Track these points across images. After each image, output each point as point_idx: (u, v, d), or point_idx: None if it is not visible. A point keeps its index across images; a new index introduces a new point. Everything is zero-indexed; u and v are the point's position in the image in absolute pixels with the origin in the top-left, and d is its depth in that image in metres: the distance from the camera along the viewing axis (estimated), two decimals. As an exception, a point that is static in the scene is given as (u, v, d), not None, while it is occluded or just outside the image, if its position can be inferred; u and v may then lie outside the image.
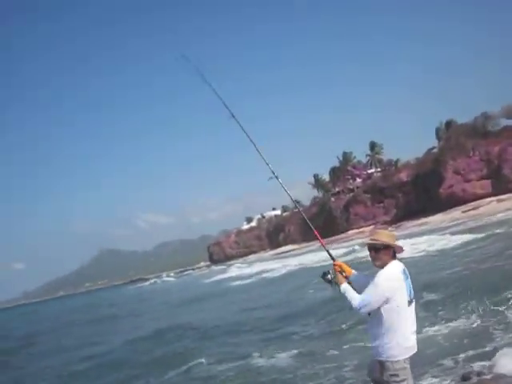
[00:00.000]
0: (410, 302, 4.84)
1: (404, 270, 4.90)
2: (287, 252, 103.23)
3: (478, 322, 11.85)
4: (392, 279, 4.78)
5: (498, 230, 32.15)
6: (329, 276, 5.17)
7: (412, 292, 4.90)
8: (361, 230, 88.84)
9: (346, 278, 5.16)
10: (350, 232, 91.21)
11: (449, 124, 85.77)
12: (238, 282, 48.22)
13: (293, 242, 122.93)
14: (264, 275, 48.10)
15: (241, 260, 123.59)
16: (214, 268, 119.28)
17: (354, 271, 5.28)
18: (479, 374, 7.06)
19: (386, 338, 4.80)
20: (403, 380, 4.77)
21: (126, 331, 26.07)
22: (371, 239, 5.00)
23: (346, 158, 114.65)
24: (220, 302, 34.03)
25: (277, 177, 6.15)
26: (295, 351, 13.35)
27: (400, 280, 4.82)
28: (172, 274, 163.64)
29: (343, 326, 14.99)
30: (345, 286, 5.00)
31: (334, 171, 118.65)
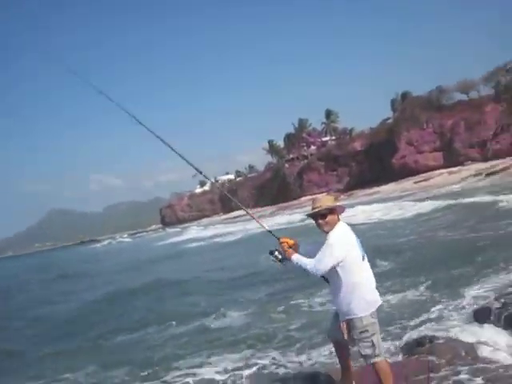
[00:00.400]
0: (363, 257, 4.92)
1: (350, 228, 5.01)
2: (241, 216, 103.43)
3: (427, 292, 11.93)
4: (343, 237, 4.86)
5: (451, 201, 32.74)
6: (276, 253, 5.16)
7: (362, 249, 4.97)
8: (314, 196, 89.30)
9: (295, 251, 5.14)
10: (303, 199, 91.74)
11: (404, 96, 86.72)
12: (193, 244, 48.17)
13: (245, 207, 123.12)
14: (218, 239, 48.18)
15: (195, 223, 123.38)
16: (169, 230, 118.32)
17: (301, 245, 5.28)
18: (431, 339, 7.05)
19: (349, 297, 4.84)
20: (373, 334, 4.84)
21: (79, 292, 25.74)
22: (314, 207, 5.00)
23: (302, 124, 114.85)
24: (175, 263, 34.02)
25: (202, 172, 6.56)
26: (245, 312, 13.66)
27: (351, 237, 4.92)
28: (125, 236, 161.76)
29: (290, 290, 15.28)
30: (296, 257, 4.98)
31: (288, 138, 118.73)
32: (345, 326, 4.95)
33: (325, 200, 5.03)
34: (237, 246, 36.98)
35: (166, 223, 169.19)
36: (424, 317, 9.84)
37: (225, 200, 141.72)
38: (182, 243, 55.37)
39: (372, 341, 4.82)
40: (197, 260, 33.85)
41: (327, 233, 4.91)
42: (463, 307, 9.73)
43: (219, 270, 24.59)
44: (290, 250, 5.08)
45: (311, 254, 4.95)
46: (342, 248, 4.78)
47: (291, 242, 5.22)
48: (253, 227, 40.53)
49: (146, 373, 10.11)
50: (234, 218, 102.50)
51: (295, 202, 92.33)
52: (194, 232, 73.88)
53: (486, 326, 7.56)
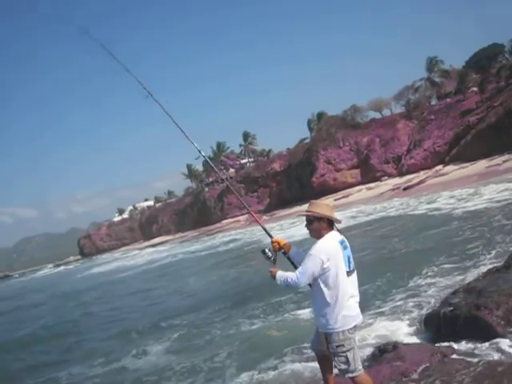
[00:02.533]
0: (349, 273, 4.84)
1: (342, 240, 4.89)
2: (163, 243, 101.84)
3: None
4: (326, 247, 4.75)
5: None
6: (268, 253, 5.19)
7: (352, 263, 4.90)
8: (235, 219, 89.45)
9: (285, 253, 5.23)
10: (225, 221, 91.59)
11: (320, 116, 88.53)
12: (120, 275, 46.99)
13: (167, 232, 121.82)
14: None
15: (119, 252, 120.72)
16: (84, 264, 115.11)
17: (293, 246, 5.27)
18: (395, 345, 6.87)
19: (328, 310, 4.79)
20: (349, 350, 4.79)
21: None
22: (306, 211, 4.98)
23: (220, 148, 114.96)
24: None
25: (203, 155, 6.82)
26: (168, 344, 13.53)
27: (336, 249, 4.78)
28: (50, 266, 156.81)
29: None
30: (279, 274, 4.94)
31: (207, 161, 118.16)
32: (323, 338, 4.94)
33: (316, 206, 4.96)
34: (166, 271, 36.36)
35: (84, 254, 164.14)
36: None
37: (145, 227, 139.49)
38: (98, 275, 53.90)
39: (347, 356, 4.79)
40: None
41: (315, 239, 4.90)
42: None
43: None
44: (274, 269, 5.02)
45: (300, 260, 4.91)
46: (324, 257, 4.70)
47: (283, 242, 5.25)
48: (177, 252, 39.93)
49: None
50: (156, 244, 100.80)
51: (218, 224, 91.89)
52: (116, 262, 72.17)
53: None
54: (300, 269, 4.78)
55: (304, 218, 5.05)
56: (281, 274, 4.92)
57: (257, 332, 12.58)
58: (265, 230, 5.54)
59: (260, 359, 10.19)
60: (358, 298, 4.92)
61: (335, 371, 5.16)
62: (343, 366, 4.80)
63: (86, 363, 13.57)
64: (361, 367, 4.86)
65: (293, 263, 5.15)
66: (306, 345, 9.54)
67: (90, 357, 14.11)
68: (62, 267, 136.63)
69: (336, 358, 4.83)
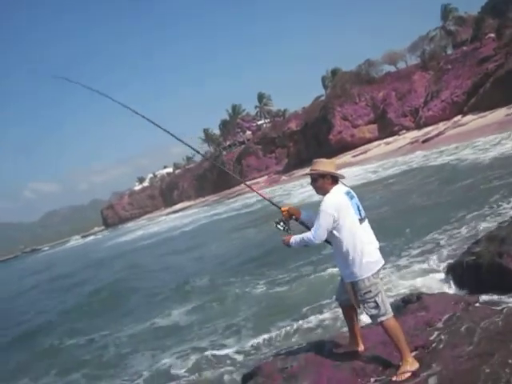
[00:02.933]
0: (361, 220, 4.96)
1: (348, 191, 5.01)
2: (185, 208, 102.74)
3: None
4: (334, 200, 4.86)
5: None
6: (281, 225, 5.26)
7: (362, 211, 5.01)
8: (255, 181, 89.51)
9: (297, 219, 5.31)
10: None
11: (334, 72, 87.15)
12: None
13: (188, 198, 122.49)
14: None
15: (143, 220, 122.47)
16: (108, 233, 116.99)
17: (303, 211, 5.37)
18: (418, 295, 6.94)
19: (349, 260, 4.89)
20: (376, 294, 4.89)
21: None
22: (310, 170, 5.08)
23: (235, 110, 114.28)
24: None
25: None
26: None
27: (344, 200, 4.90)
28: (77, 238, 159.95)
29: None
30: (293, 239, 5.06)
31: (223, 125, 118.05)
32: (350, 288, 5.04)
33: (319, 164, 5.05)
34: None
35: (108, 224, 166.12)
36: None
37: (165, 194, 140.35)
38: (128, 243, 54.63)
39: (376, 301, 4.88)
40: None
41: (321, 196, 4.99)
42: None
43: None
44: (287, 237, 5.13)
45: (314, 221, 4.95)
46: (334, 210, 4.81)
47: (292, 209, 5.33)
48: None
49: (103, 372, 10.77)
50: (178, 210, 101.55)
51: (237, 187, 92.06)
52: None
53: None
54: (314, 228, 4.88)
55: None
56: (295, 238, 5.04)
57: (278, 293, 12.85)
58: (270, 201, 5.59)
59: (286, 313, 10.47)
60: (376, 244, 5.01)
61: (360, 321, 5.29)
62: (374, 311, 4.89)
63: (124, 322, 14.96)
64: (390, 310, 4.94)
65: (307, 226, 5.20)
66: (327, 301, 9.73)
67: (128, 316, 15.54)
68: (90, 237, 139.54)
69: (366, 305, 4.92)
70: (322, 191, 4.99)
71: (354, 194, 5.04)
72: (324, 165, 5.02)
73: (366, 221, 5.02)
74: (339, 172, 5.10)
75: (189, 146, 6.51)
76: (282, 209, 5.32)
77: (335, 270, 11.76)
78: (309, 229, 5.08)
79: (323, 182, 4.98)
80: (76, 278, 31.65)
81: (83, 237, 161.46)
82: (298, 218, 5.30)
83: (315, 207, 5.00)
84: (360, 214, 4.94)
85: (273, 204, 5.53)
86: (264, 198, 5.76)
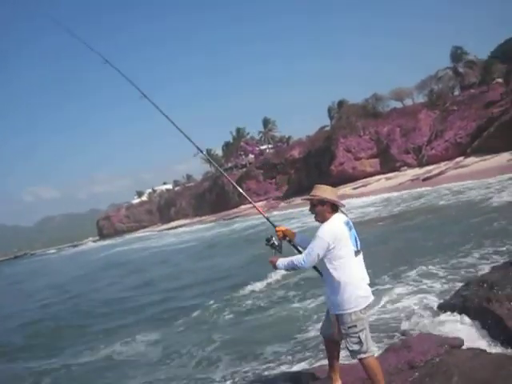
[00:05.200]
0: (357, 252, 4.88)
1: (347, 221, 4.94)
2: (181, 226, 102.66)
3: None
4: (332, 229, 4.80)
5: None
6: (273, 241, 5.20)
7: (358, 243, 4.94)
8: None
9: (290, 241, 5.29)
10: (243, 207, 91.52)
11: (341, 104, 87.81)
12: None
13: (185, 216, 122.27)
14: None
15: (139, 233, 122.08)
16: (102, 243, 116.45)
17: (298, 234, 5.33)
18: (403, 333, 6.90)
19: (339, 291, 4.82)
20: (361, 330, 4.82)
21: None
22: (310, 195, 5.04)
23: (240, 133, 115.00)
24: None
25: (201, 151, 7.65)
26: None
27: (342, 230, 4.84)
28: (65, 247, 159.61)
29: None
30: (280, 261, 4.98)
31: (227, 146, 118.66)
32: (335, 320, 4.97)
33: (321, 190, 5.01)
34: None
35: (103, 235, 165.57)
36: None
37: (163, 210, 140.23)
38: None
39: (359, 337, 4.81)
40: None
41: (319, 222, 4.94)
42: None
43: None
44: (274, 258, 5.08)
45: (306, 244, 4.93)
46: (329, 238, 4.74)
47: (288, 231, 5.31)
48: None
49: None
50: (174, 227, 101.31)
51: (235, 210, 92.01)
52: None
53: (451, 318, 7.72)
54: (306, 250, 4.83)
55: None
56: (282, 261, 4.97)
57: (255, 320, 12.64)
58: (268, 219, 5.56)
59: (262, 344, 10.25)
60: (367, 279, 4.95)
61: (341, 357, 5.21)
62: (356, 347, 4.83)
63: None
64: (372, 348, 4.92)
65: (299, 251, 5.16)
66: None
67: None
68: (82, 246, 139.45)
69: (348, 339, 4.84)
70: (321, 218, 4.93)
71: (353, 225, 4.97)
72: (325, 191, 4.97)
73: (361, 254, 4.95)
74: (340, 201, 5.06)
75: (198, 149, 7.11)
76: (277, 228, 5.27)
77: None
78: (300, 253, 5.02)
79: (322, 209, 4.92)
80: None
81: (73, 246, 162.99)
82: (292, 240, 5.25)
83: (311, 233, 4.96)
84: (356, 246, 4.89)
85: (269, 222, 5.49)
86: (262, 213, 5.76)
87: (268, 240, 5.21)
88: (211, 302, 15.77)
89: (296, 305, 13.01)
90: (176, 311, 15.95)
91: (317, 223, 4.98)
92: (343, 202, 5.08)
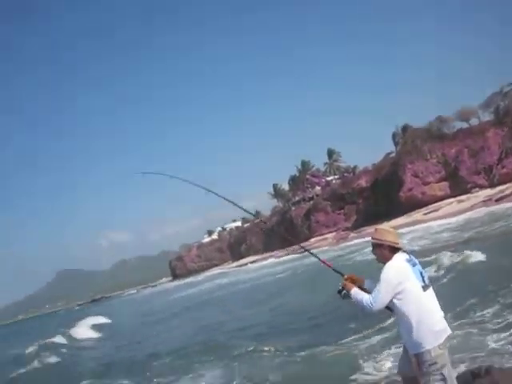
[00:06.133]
0: (425, 288, 4.82)
1: (410, 258, 4.92)
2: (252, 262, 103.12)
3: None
4: (395, 269, 4.80)
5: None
6: (344, 292, 5.14)
7: (425, 277, 4.88)
8: (323, 237, 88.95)
9: (360, 287, 5.14)
10: (313, 240, 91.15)
11: (405, 129, 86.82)
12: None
13: (255, 252, 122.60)
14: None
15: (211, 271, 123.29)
16: (178, 283, 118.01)
17: (367, 280, 5.28)
18: (488, 369, 6.71)
19: (414, 330, 4.72)
20: (443, 366, 4.65)
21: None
22: (371, 237, 5.10)
23: (305, 166, 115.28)
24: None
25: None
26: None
27: (405, 267, 4.82)
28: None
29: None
30: (354, 291, 4.99)
31: (293, 180, 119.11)
32: (415, 360, 4.77)
33: (379, 233, 5.05)
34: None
35: (176, 275, 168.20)
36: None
37: (233, 247, 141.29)
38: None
39: (442, 373, 4.62)
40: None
41: (382, 264, 4.93)
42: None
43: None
44: (350, 284, 5.08)
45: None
46: (395, 279, 4.73)
47: (356, 278, 5.26)
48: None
49: None
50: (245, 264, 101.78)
51: (306, 243, 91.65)
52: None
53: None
54: (373, 294, 4.80)
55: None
56: (357, 291, 4.97)
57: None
58: (334, 269, 5.47)
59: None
60: (441, 312, 4.86)
61: None
62: None
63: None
64: None
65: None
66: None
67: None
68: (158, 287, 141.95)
69: (431, 378, 4.63)
70: (382, 259, 4.95)
71: (416, 261, 4.94)
72: (382, 234, 5.01)
73: (431, 288, 4.88)
74: (399, 241, 5.03)
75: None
76: (345, 276, 5.25)
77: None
78: None
79: (381, 251, 4.97)
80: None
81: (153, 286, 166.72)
82: (361, 286, 5.16)
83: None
84: (423, 281, 4.82)
85: (335, 271, 5.44)
86: (326, 264, 5.59)
87: (340, 292, 5.16)
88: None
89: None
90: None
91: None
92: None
